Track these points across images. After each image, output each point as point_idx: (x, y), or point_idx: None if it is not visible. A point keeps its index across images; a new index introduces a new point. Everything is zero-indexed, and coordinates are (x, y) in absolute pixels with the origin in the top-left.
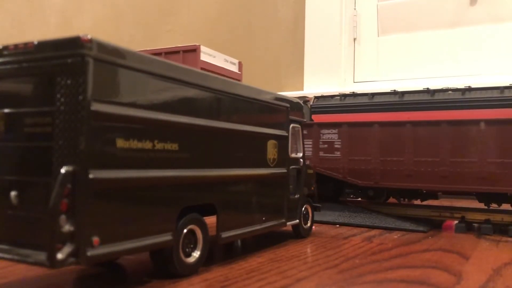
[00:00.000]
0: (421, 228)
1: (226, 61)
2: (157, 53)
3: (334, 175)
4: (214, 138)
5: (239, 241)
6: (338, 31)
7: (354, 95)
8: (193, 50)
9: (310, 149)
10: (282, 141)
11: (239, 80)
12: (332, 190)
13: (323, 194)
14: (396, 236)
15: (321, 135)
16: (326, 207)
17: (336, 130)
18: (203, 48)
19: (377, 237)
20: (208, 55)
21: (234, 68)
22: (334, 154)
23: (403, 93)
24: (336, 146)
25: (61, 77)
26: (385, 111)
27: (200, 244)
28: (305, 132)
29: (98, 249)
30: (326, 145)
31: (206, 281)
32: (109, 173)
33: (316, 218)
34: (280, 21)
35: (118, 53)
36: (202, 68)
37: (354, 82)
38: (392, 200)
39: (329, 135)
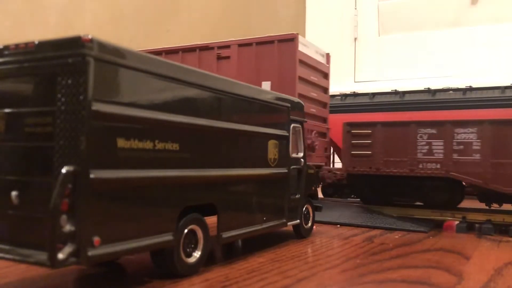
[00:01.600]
0: (422, 228)
1: (317, 52)
2: (247, 43)
3: (470, 181)
4: (215, 138)
5: (239, 241)
6: (338, 31)
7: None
8: (291, 40)
9: (441, 150)
10: (283, 141)
11: (327, 73)
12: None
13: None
14: (397, 236)
15: (455, 134)
16: (327, 207)
17: (475, 129)
18: (300, 38)
19: (378, 237)
20: (303, 45)
21: (323, 60)
22: (471, 156)
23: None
24: (474, 147)
25: (62, 77)
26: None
27: (200, 244)
28: (433, 131)
29: (99, 249)
30: (461, 146)
31: (207, 281)
32: (110, 173)
33: (317, 218)
34: (280, 21)
35: (119, 53)
36: (299, 60)
37: (354, 82)
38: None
39: (466, 134)
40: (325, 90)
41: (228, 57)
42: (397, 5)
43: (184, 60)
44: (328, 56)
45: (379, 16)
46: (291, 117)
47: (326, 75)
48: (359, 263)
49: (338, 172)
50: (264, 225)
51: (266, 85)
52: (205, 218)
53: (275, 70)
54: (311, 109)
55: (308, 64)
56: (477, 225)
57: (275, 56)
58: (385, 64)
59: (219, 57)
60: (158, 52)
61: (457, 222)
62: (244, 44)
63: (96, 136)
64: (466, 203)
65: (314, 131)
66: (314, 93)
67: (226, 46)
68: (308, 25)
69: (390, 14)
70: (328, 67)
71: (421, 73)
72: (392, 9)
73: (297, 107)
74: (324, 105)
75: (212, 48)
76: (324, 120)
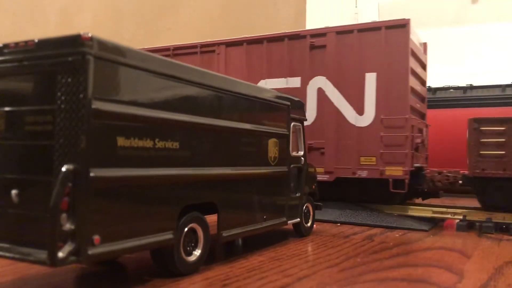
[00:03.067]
0: (422, 227)
1: (417, 40)
2: (347, 31)
3: None
4: (215, 136)
5: (240, 240)
6: None
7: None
8: (401, 26)
9: None
10: (283, 140)
11: (425, 64)
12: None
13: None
14: (397, 235)
15: None
16: (327, 205)
17: None
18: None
19: (379, 235)
20: (412, 33)
21: (422, 50)
22: None
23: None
24: None
25: (61, 75)
26: None
27: (201, 243)
28: None
29: (99, 248)
30: None
31: (207, 279)
32: (110, 171)
33: (317, 216)
34: (281, 19)
35: (119, 51)
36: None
37: None
38: None
39: None
40: (424, 83)
41: (323, 46)
42: (398, 3)
43: (269, 50)
44: (425, 45)
45: (379, 14)
46: (291, 115)
47: (424, 67)
48: (359, 262)
49: (451, 175)
50: (265, 224)
51: (370, 77)
52: (206, 216)
53: (382, 61)
54: (416, 104)
55: (415, 54)
56: (477, 224)
57: (382, 44)
58: None
59: (313, 47)
60: (239, 42)
61: (457, 221)
62: (343, 32)
63: (96, 134)
64: (466, 202)
65: (424, 129)
66: (418, 87)
67: (321, 34)
68: (308, 23)
69: (390, 13)
70: (426, 58)
71: None
72: (392, 8)
73: (297, 106)
74: (423, 99)
75: (304, 36)
76: (423, 116)
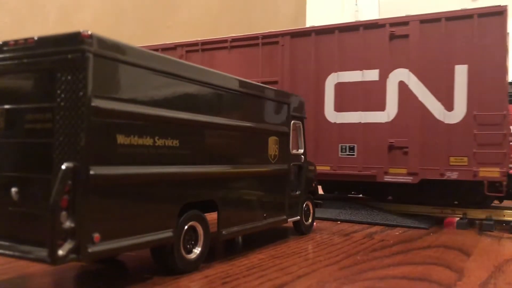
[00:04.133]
0: (422, 225)
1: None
2: (433, 19)
3: None
4: (215, 134)
5: (240, 238)
6: None
7: None
8: (498, 14)
9: None
10: (283, 138)
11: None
12: None
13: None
14: (397, 233)
15: None
16: (327, 204)
17: None
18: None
19: (379, 233)
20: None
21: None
22: None
23: None
24: None
25: (61, 73)
26: None
27: (201, 241)
28: None
29: (99, 246)
30: None
31: (207, 277)
32: (110, 169)
33: (317, 214)
34: (281, 17)
35: (119, 48)
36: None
37: None
38: None
39: None
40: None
41: (405, 36)
42: (398, 1)
43: (342, 41)
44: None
45: (380, 12)
46: (292, 113)
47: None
48: (359, 260)
49: None
50: (265, 222)
51: (461, 70)
52: (206, 214)
53: (474, 52)
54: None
55: (507, 45)
56: (477, 222)
57: (475, 34)
58: None
59: (393, 36)
60: (306, 32)
61: (457, 219)
62: (428, 20)
63: (95, 132)
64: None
65: None
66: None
67: (403, 22)
68: (308, 20)
69: (391, 11)
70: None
71: None
72: (393, 6)
73: (297, 103)
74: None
75: (383, 25)
76: None
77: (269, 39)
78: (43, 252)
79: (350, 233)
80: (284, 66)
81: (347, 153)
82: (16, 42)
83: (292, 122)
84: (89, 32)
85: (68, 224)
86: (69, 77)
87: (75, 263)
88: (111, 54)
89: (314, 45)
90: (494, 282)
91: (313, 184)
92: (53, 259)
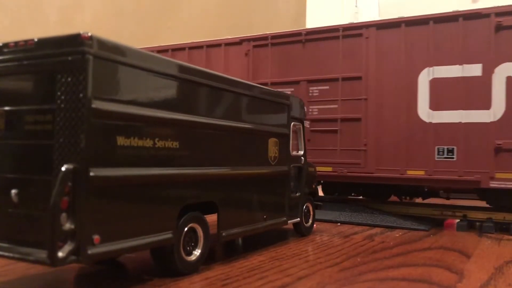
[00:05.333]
0: (422, 227)
1: None
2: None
3: None
4: (215, 136)
5: (240, 239)
6: None
7: None
8: None
9: None
10: (283, 139)
11: None
12: None
13: None
14: (397, 235)
15: None
16: (327, 205)
17: None
18: None
19: (379, 235)
20: None
21: None
22: None
23: None
24: None
25: (61, 75)
26: None
27: (201, 242)
28: None
29: (99, 247)
30: None
31: (207, 279)
32: (110, 171)
33: (317, 216)
34: (281, 17)
35: (119, 50)
36: None
37: None
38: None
39: None
40: None
41: None
42: (398, 2)
43: (437, 32)
44: None
45: (379, 13)
46: (292, 115)
47: None
48: (359, 261)
49: None
50: (265, 223)
51: None
52: (206, 216)
53: None
54: None
55: None
56: (477, 223)
57: None
58: None
59: (500, 27)
60: (395, 24)
61: (457, 221)
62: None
63: (95, 134)
64: (466, 201)
65: None
66: None
67: None
68: (308, 22)
69: (391, 12)
70: None
71: None
72: (393, 7)
73: (297, 105)
74: None
75: (487, 15)
76: None
77: (351, 31)
78: (43, 254)
79: (350, 235)
80: (369, 61)
81: (445, 156)
82: (16, 43)
83: (292, 123)
84: (89, 34)
85: (68, 225)
86: (69, 79)
87: (75, 264)
88: (111, 55)
89: (404, 38)
90: (494, 284)
91: (313, 186)
92: (53, 261)
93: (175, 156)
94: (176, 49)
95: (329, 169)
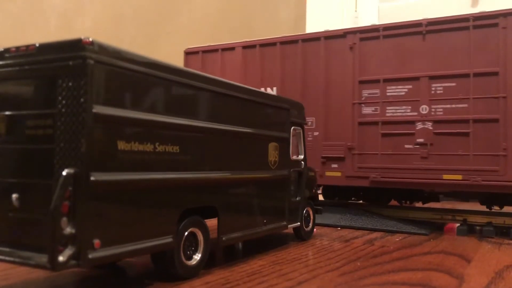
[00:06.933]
0: (422, 231)
1: None
2: None
3: None
4: (215, 140)
5: (240, 244)
6: None
7: None
8: None
9: None
10: (283, 144)
11: None
12: None
13: None
14: (397, 239)
15: None
16: (327, 210)
17: None
18: None
19: (379, 239)
20: None
21: None
22: None
23: None
24: None
25: (62, 79)
26: None
27: (201, 247)
28: None
29: (99, 252)
30: None
31: (207, 283)
32: (110, 175)
33: (318, 220)
34: (281, 22)
35: (120, 55)
36: None
37: None
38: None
39: None
40: None
41: None
42: (398, 6)
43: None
44: None
45: (379, 18)
46: (291, 119)
47: None
48: (359, 266)
49: None
50: (265, 228)
51: None
52: (206, 220)
53: None
54: None
55: None
56: (478, 228)
57: None
58: None
59: None
60: (444, 22)
61: (458, 225)
62: None
63: (96, 138)
64: (466, 205)
65: None
66: None
67: None
68: (308, 26)
69: (390, 16)
70: None
71: None
72: (392, 11)
73: (297, 109)
74: None
75: None
76: None
77: (484, 21)
78: (43, 258)
79: (350, 239)
80: (508, 54)
81: None
82: (18, 48)
83: (292, 128)
84: (90, 39)
85: (68, 230)
86: (70, 84)
87: (75, 269)
88: (112, 60)
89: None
90: None
91: (313, 190)
92: (54, 265)
93: (175, 160)
94: (266, 44)
95: (459, 177)
